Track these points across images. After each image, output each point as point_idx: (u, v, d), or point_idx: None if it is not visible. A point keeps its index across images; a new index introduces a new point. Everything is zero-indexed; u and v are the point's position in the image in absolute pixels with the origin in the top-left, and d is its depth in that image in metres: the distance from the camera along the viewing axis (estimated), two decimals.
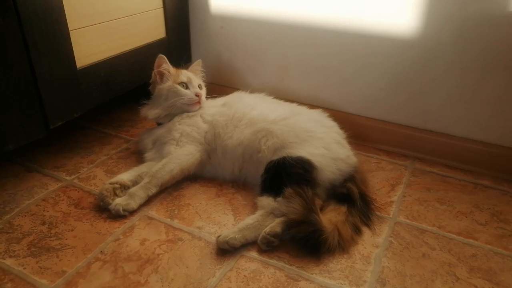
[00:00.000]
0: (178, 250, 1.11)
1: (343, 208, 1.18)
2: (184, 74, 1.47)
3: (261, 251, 1.11)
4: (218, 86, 1.91)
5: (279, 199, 1.16)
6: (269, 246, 1.10)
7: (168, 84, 1.44)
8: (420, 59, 1.46)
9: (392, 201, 1.33)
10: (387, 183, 1.42)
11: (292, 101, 1.73)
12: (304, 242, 1.09)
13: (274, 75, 1.78)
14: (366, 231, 1.19)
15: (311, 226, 1.07)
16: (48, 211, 1.24)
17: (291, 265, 1.07)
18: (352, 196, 1.22)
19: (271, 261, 1.08)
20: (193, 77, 1.48)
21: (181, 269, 1.05)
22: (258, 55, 1.78)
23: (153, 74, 1.47)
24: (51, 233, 1.16)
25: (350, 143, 1.39)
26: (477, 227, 1.22)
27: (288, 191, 1.13)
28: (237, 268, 1.06)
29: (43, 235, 1.15)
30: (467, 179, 1.45)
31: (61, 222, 1.20)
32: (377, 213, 1.26)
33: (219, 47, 1.86)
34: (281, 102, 1.52)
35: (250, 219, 1.15)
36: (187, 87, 1.45)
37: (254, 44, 1.77)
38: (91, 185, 1.36)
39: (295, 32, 1.65)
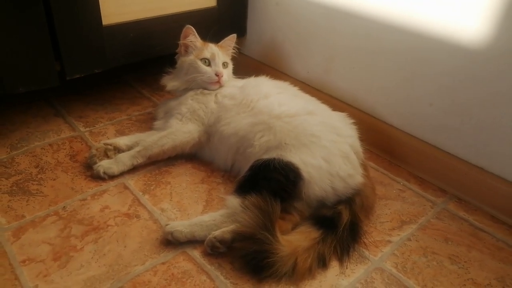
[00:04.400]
0: (128, 227, 1.07)
1: (315, 234, 1.01)
2: (209, 50, 1.38)
3: (206, 253, 1.01)
4: (265, 67, 1.78)
5: None
6: (214, 250, 1.00)
7: (190, 58, 1.38)
8: (486, 76, 1.14)
9: (389, 241, 1.09)
10: (398, 218, 1.17)
11: (335, 98, 1.54)
12: (246, 260, 0.95)
13: (320, 65, 1.58)
14: (334, 267, 1.00)
15: (257, 245, 0.93)
16: (46, 156, 1.31)
17: (226, 278, 0.95)
18: (337, 221, 1.04)
19: (209, 267, 0.98)
20: (218, 53, 1.38)
21: (118, 247, 1.01)
22: (308, 41, 1.59)
23: (179, 45, 1.42)
24: (37, 177, 1.22)
25: (380, 160, 1.17)
26: None
27: (249, 199, 1.00)
28: (170, 264, 0.98)
29: (29, 177, 1.22)
30: (508, 241, 1.11)
31: (50, 170, 1.25)
32: (362, 249, 1.05)
33: (272, 25, 1.72)
34: (303, 96, 1.34)
35: (207, 216, 1.06)
36: (209, 64, 1.36)
37: (305, 28, 1.58)
38: (96, 141, 1.40)
39: (346, 20, 1.42)
